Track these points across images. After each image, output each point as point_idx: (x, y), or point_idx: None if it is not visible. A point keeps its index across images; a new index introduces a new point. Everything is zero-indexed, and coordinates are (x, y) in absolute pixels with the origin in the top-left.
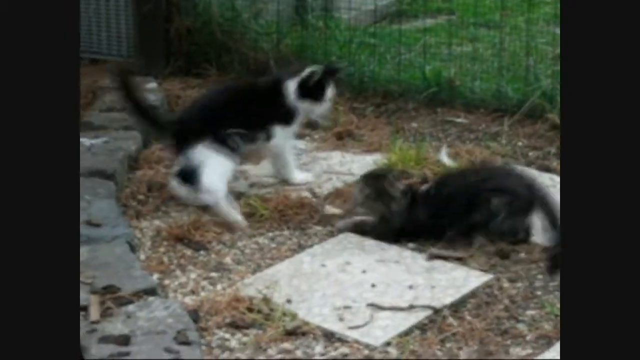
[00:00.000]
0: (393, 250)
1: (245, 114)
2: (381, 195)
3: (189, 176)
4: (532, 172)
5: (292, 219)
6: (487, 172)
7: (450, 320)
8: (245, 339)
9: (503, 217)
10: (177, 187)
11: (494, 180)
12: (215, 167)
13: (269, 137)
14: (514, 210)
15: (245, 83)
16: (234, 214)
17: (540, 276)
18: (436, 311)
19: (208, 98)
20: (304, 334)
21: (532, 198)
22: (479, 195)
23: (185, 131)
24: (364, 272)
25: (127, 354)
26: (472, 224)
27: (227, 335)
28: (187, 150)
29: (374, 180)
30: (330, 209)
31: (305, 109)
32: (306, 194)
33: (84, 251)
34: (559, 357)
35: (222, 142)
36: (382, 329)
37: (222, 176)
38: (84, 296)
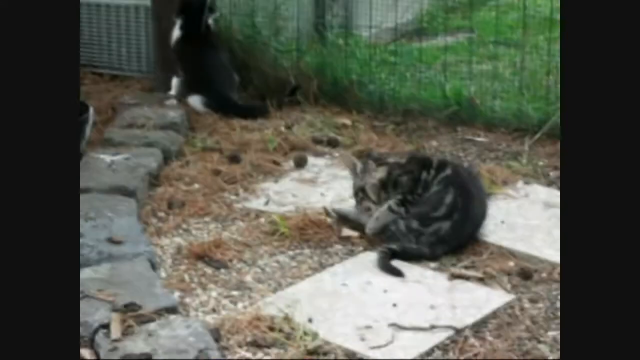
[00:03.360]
0: (415, 270)
1: None
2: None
3: None
4: (554, 192)
5: (313, 237)
6: None
7: (472, 340)
8: (266, 358)
9: None
10: None
11: None
12: None
13: None
14: None
15: None
16: None
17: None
18: (457, 331)
19: None
20: (325, 353)
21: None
22: None
23: None
24: (385, 291)
25: None
26: None
27: (249, 355)
28: None
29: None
30: (347, 231)
31: None
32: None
33: (105, 269)
34: None
35: None
36: (404, 349)
37: None
38: (105, 314)
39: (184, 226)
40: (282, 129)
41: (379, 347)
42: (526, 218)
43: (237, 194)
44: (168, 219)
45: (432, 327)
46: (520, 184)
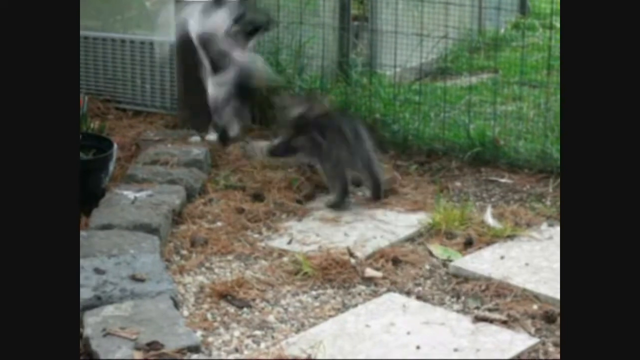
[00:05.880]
0: (438, 312)
1: None
2: None
3: None
4: None
5: (336, 277)
6: None
7: None
8: None
9: None
10: None
11: None
12: None
13: None
14: None
15: None
16: None
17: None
18: None
19: None
20: None
21: None
22: None
23: None
24: (408, 333)
25: None
26: None
27: None
28: None
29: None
30: (371, 272)
31: None
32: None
33: (128, 306)
34: None
35: None
36: None
37: None
38: (128, 352)
39: (207, 264)
40: (305, 167)
41: None
42: (550, 261)
43: (260, 233)
44: (191, 257)
45: None
46: (544, 226)
